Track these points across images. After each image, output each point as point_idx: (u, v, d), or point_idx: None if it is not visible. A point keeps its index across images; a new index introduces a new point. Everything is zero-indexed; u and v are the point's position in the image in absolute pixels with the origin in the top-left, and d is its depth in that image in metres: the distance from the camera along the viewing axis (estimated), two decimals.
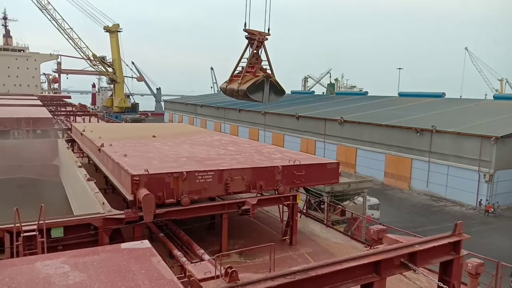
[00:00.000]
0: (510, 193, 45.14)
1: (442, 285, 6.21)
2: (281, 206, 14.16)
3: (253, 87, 18.00)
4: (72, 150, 24.16)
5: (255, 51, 18.17)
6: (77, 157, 21.98)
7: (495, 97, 74.57)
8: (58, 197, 18.68)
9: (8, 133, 27.53)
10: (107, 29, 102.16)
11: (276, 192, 13.52)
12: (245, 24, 17.84)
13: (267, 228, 15.53)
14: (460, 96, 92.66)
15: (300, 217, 17.37)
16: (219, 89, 20.13)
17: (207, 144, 18.28)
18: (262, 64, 18.85)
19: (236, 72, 18.95)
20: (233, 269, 4.83)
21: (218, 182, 12.41)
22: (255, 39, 17.89)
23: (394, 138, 54.97)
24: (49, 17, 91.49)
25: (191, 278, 4.55)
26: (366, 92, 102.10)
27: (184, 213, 11.91)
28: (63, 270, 3.63)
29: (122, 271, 3.73)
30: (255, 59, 18.35)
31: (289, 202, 13.58)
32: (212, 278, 5.79)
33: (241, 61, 19.12)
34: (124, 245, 4.39)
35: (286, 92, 20.26)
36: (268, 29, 18.29)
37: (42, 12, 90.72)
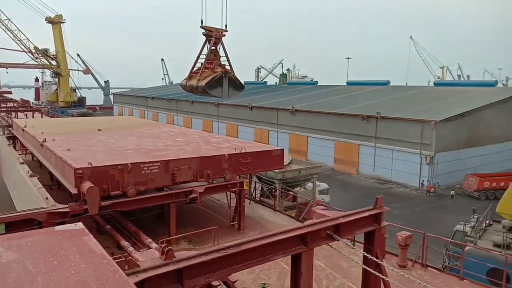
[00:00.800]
0: (448, 174, 48.09)
1: (366, 254, 6.85)
2: (229, 193, 14.54)
3: (211, 82, 18.20)
4: (14, 147, 23.20)
5: (213, 48, 18.35)
6: (19, 154, 21.15)
7: (436, 84, 78.86)
8: (1, 197, 17.96)
9: None
10: (49, 20, 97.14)
11: (224, 180, 13.87)
12: (202, 21, 18.00)
13: (217, 215, 15.90)
14: (406, 84, 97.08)
15: (250, 203, 17.89)
16: (180, 85, 20.00)
17: (154, 136, 18.27)
18: (220, 60, 19.00)
19: (195, 68, 18.99)
20: (169, 247, 5.15)
21: (164, 173, 12.57)
22: (213, 36, 18.04)
23: (342, 126, 56.86)
24: None
25: (127, 257, 4.80)
26: (316, 82, 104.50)
27: (130, 204, 11.99)
28: None
29: (55, 248, 3.96)
30: (213, 55, 18.52)
31: (236, 188, 14.00)
32: None
33: (200, 57, 19.17)
34: (58, 228, 4.60)
35: (244, 87, 20.55)
36: (226, 26, 18.52)
37: None
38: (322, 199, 38.90)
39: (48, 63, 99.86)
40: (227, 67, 19.14)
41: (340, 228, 6.59)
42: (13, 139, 24.70)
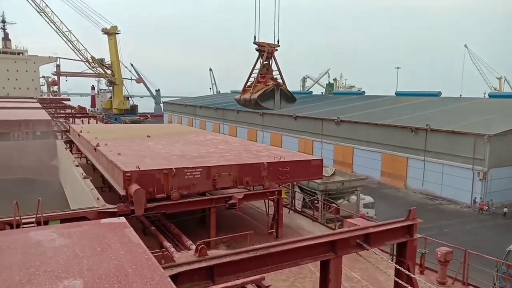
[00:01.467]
0: (503, 191, 45.58)
1: (398, 266, 6.86)
2: (267, 200, 14.83)
3: (263, 95, 18.81)
4: (71, 151, 24.86)
5: (265, 62, 19.01)
6: (75, 157, 22.66)
7: (491, 96, 75.14)
8: (56, 195, 19.36)
9: (8, 135, 28.26)
10: (105, 31, 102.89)
11: (262, 188, 14.19)
12: (255, 37, 18.68)
13: (256, 222, 16.23)
14: (460, 95, 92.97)
15: (289, 212, 18.06)
16: (234, 100, 20.95)
17: (199, 143, 18.98)
18: (273, 74, 19.66)
19: (249, 83, 19.75)
20: (202, 246, 5.51)
21: (206, 178, 13.09)
22: (265, 51, 18.67)
23: (390, 138, 55.53)
24: (47, 19, 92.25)
25: (164, 252, 5.20)
26: (364, 92, 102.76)
27: (173, 207, 12.60)
28: (51, 237, 4.45)
29: (99, 237, 4.54)
30: (265, 70, 19.21)
31: (274, 196, 14.27)
32: None
33: (254, 72, 19.93)
34: (103, 220, 5.15)
35: (296, 99, 21.07)
36: (278, 41, 19.05)
37: (40, 14, 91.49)
38: (367, 213, 38.12)
39: (103, 72, 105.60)
40: (280, 80, 19.68)
41: (370, 238, 6.67)
42: (70, 143, 26.47)
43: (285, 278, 10.81)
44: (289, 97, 19.70)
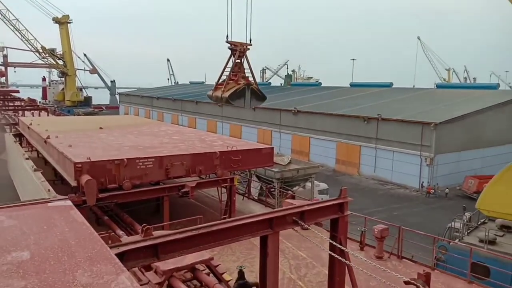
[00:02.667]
0: (448, 176, 48.42)
1: (331, 241, 7.62)
2: (220, 188, 15.38)
3: (234, 94, 19.22)
4: (20, 144, 24.20)
5: (237, 61, 19.33)
6: (25, 151, 22.14)
7: (438, 86, 79.19)
8: (6, 188, 18.95)
9: None
10: (56, 20, 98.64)
11: (215, 176, 14.71)
12: (227, 36, 18.97)
13: (209, 209, 16.76)
14: (413, 86, 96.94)
15: (243, 199, 18.71)
16: (206, 95, 21.11)
17: (152, 134, 19.17)
18: (244, 72, 20.00)
19: (221, 80, 20.02)
20: (147, 227, 5.97)
21: (158, 168, 13.43)
22: (237, 50, 19.00)
23: (344, 127, 57.38)
24: None
25: (111, 233, 5.61)
26: (320, 83, 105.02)
27: (126, 197, 12.87)
28: (0, 219, 4.73)
29: (46, 218, 4.91)
30: (237, 68, 19.52)
31: (227, 184, 14.83)
32: None
33: (226, 70, 20.15)
34: (50, 204, 5.50)
35: (266, 98, 21.51)
36: (250, 40, 19.48)
37: None
38: (322, 198, 39.54)
39: (55, 63, 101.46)
40: (251, 79, 20.15)
41: (305, 215, 7.37)
42: (19, 136, 25.73)
43: (235, 259, 11.44)
44: (259, 96, 20.26)
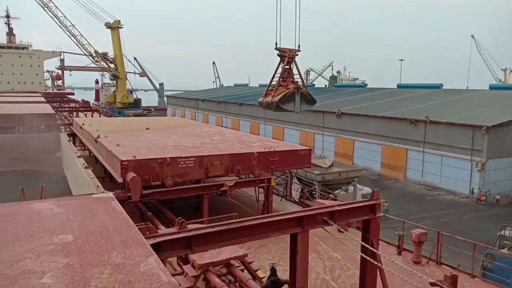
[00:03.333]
0: (501, 182, 46.09)
1: (363, 243, 7.67)
2: (257, 188, 15.71)
3: (284, 98, 19.65)
4: (73, 143, 25.80)
5: (286, 67, 19.78)
6: (78, 149, 23.59)
7: (491, 87, 75.25)
8: (60, 184, 20.30)
9: (13, 128, 29.25)
10: (108, 25, 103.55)
11: (253, 176, 15.06)
12: (276, 43, 19.45)
13: (246, 208, 17.13)
14: (467, 87, 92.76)
15: (281, 200, 18.93)
16: (257, 102, 21.91)
17: (195, 135, 19.85)
18: (294, 77, 20.44)
19: (270, 87, 20.59)
20: (182, 220, 6.36)
21: (199, 167, 13.97)
22: (286, 56, 19.43)
23: (390, 129, 56.08)
24: (50, 14, 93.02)
25: (149, 225, 6.03)
26: (366, 85, 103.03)
27: (168, 194, 13.51)
28: (50, 207, 5.47)
29: (89, 207, 5.51)
30: (286, 74, 20.07)
31: (264, 184, 15.14)
32: None
33: (276, 76, 20.71)
34: (94, 195, 6.06)
35: (316, 101, 21.83)
36: (299, 46, 19.86)
37: (44, 9, 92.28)
38: None
39: (107, 66, 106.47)
40: (300, 83, 20.50)
41: (335, 215, 7.47)
42: (73, 136, 27.42)
43: (270, 258, 11.67)
44: (309, 100, 20.54)
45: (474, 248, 11.61)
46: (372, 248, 7.71)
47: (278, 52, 19.58)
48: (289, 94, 19.64)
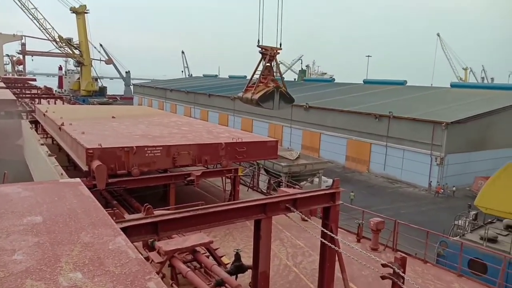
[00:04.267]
0: (458, 176, 48.26)
1: (323, 229, 8.11)
2: (224, 178, 15.98)
3: (264, 96, 19.91)
4: (36, 131, 25.09)
5: (267, 64, 20.04)
6: (40, 137, 23.00)
7: (452, 85, 78.36)
8: (21, 172, 19.79)
9: None
10: (73, 10, 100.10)
11: (220, 166, 15.29)
12: (258, 41, 19.72)
13: (213, 197, 17.37)
14: (431, 85, 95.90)
15: (248, 190, 19.28)
16: (237, 97, 22.20)
17: (162, 125, 19.81)
18: (274, 75, 20.76)
19: (251, 83, 20.90)
20: (148, 206, 6.55)
21: (166, 156, 14.04)
22: (268, 54, 19.73)
23: (355, 124, 57.39)
24: None
25: (116, 211, 6.17)
26: (333, 79, 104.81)
27: (134, 183, 13.54)
28: (17, 191, 5.49)
29: (57, 191, 5.60)
30: (267, 71, 20.17)
31: (231, 174, 15.41)
32: None
33: (256, 73, 20.97)
34: (61, 180, 6.15)
35: (294, 100, 22.33)
36: (280, 44, 20.20)
37: None
38: None
39: (71, 52, 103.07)
40: (280, 82, 20.93)
41: (297, 202, 7.85)
42: (35, 123, 26.64)
43: (235, 245, 11.98)
44: (287, 99, 21.08)
45: (427, 235, 12.37)
46: (331, 234, 8.15)
47: (260, 49, 20.01)
48: (269, 92, 20.13)
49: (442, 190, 45.86)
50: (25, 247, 3.82)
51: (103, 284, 3.25)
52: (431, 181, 47.54)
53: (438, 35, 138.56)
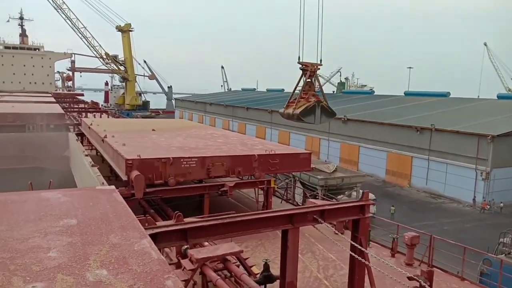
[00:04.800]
0: (506, 191, 45.99)
1: (352, 242, 8.08)
2: (257, 189, 16.19)
3: (305, 111, 20.36)
4: (81, 143, 26.46)
5: (308, 80, 20.56)
6: (85, 149, 24.22)
7: (499, 97, 75.06)
8: (67, 182, 20.92)
9: (23, 127, 30.08)
10: (119, 28, 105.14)
11: (253, 177, 15.54)
12: (299, 57, 20.26)
13: (246, 208, 17.60)
14: (478, 96, 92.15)
15: (281, 202, 19.36)
16: (278, 113, 23.12)
17: (199, 137, 20.38)
18: (315, 90, 21.40)
19: (292, 98, 21.48)
20: (178, 213, 6.84)
21: (201, 167, 14.46)
22: (308, 70, 20.28)
23: (395, 137, 56.16)
24: (63, 16, 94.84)
25: (148, 217, 6.50)
26: (373, 91, 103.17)
27: (170, 192, 14.03)
28: (57, 196, 6.04)
29: (93, 197, 6.07)
30: (308, 87, 20.67)
31: (263, 186, 15.60)
32: None
33: (297, 88, 21.74)
34: (97, 187, 6.59)
35: (335, 114, 22.81)
36: (320, 60, 20.74)
37: (57, 11, 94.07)
38: None
39: (117, 68, 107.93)
40: (321, 97, 21.41)
41: (325, 214, 7.89)
42: (81, 135, 28.09)
43: (267, 256, 12.05)
44: (329, 113, 21.43)
45: (464, 251, 11.92)
46: (360, 247, 8.10)
47: (300, 66, 20.48)
48: (310, 107, 20.42)
49: (489, 206, 43.74)
50: (59, 246, 4.21)
51: (125, 280, 3.53)
52: (474, 197, 45.51)
53: (485, 44, 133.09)
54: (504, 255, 19.20)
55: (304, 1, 19.88)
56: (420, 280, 6.71)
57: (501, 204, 43.26)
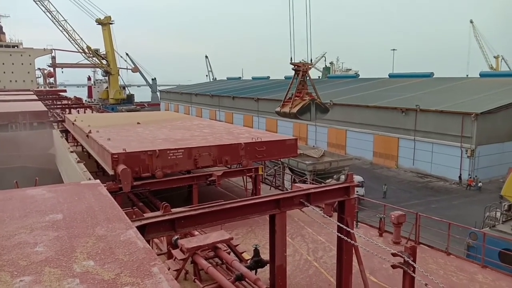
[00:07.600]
0: (490, 167, 46.81)
1: (338, 223, 8.24)
2: (245, 177, 16.31)
3: (301, 110, 21.19)
4: (66, 139, 26.19)
5: (301, 79, 21.28)
6: (70, 145, 24.00)
7: (481, 75, 75.89)
8: (54, 180, 20.75)
9: (6, 127, 29.64)
10: (99, 21, 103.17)
11: (240, 166, 15.63)
12: (291, 58, 21.17)
13: (235, 196, 17.68)
14: (467, 75, 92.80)
15: (270, 189, 19.52)
16: (275, 111, 23.73)
17: (185, 128, 20.37)
18: (308, 89, 22.15)
19: (287, 97, 22.29)
20: (166, 204, 6.88)
21: (187, 158, 14.51)
22: (300, 70, 20.89)
23: (381, 119, 56.57)
24: (43, 8, 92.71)
25: (135, 209, 6.54)
26: (358, 75, 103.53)
27: (158, 185, 14.06)
28: (42, 192, 6.03)
29: (78, 192, 6.08)
30: (301, 86, 21.60)
31: (251, 173, 15.71)
32: None
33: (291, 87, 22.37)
34: (82, 182, 6.60)
35: (329, 110, 23.35)
36: (311, 60, 22.00)
37: (36, 3, 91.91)
38: (357, 191, 39.49)
39: (99, 62, 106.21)
40: (314, 94, 22.15)
41: (311, 197, 8.01)
42: (65, 132, 27.81)
43: (257, 242, 12.22)
44: (323, 109, 22.20)
45: (449, 227, 12.24)
46: (346, 228, 8.27)
47: (293, 66, 20.95)
48: (306, 105, 21.00)
49: (474, 183, 44.55)
50: (46, 241, 4.25)
51: (112, 269, 3.60)
52: (460, 174, 46.34)
53: (471, 21, 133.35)
54: (489, 228, 19.70)
55: (293, 4, 20.42)
56: (404, 256, 6.90)
57: (486, 181, 44.14)
